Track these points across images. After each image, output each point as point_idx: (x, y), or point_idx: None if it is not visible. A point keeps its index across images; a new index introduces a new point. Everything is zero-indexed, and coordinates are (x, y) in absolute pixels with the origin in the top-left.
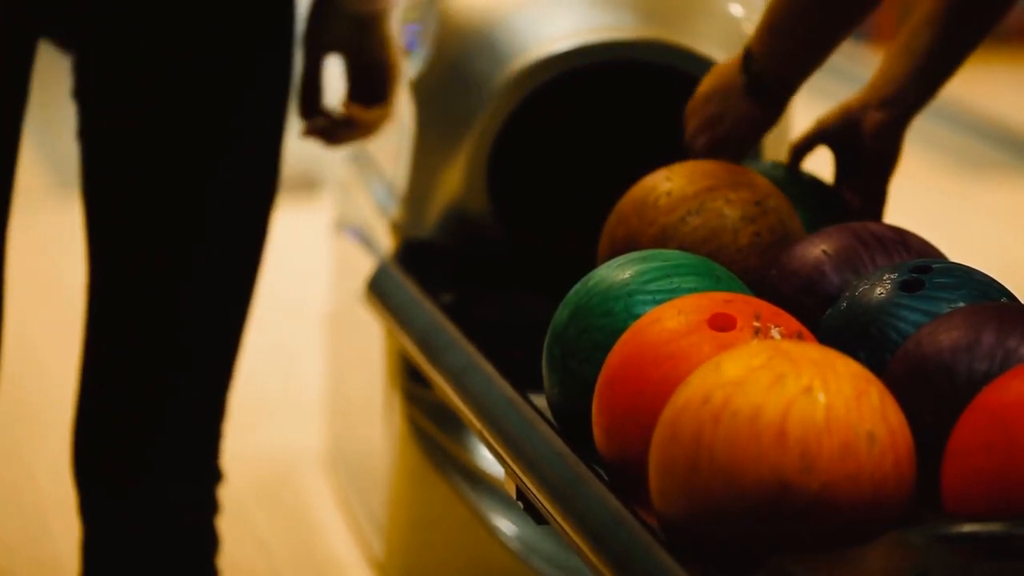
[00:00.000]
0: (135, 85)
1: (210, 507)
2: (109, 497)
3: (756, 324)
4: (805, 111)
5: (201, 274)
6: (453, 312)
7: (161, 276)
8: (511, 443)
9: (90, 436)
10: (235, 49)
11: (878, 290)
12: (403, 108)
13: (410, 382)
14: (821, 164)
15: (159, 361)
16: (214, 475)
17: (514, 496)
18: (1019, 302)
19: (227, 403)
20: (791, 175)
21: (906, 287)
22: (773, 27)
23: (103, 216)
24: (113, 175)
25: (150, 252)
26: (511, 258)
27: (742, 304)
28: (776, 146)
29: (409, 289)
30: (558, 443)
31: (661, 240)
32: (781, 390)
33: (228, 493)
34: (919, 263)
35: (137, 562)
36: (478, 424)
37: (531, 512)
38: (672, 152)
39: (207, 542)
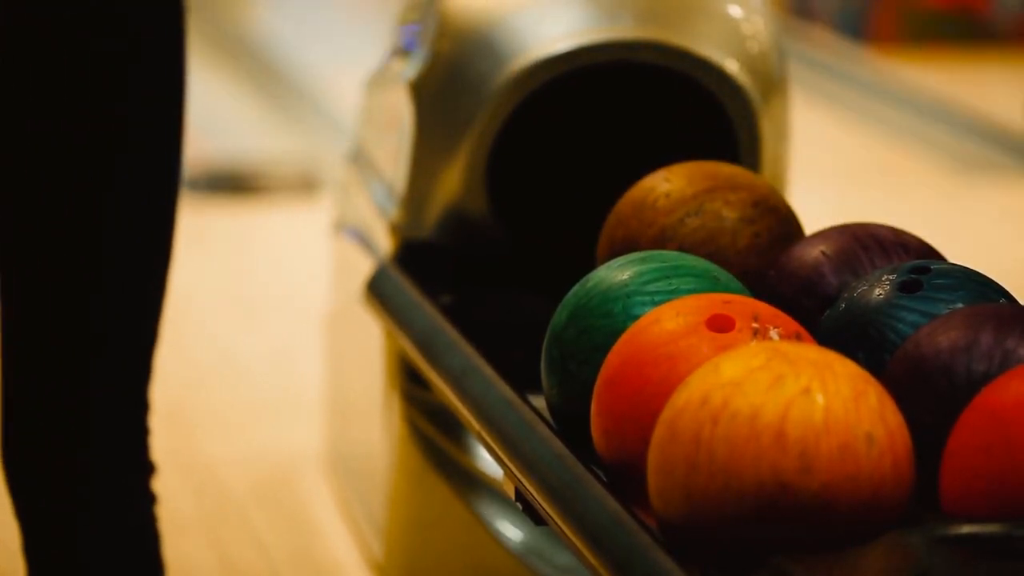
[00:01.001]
0: (30, 79)
1: (147, 499)
2: (43, 497)
3: (755, 325)
4: (805, 111)
5: (107, 270)
6: (452, 313)
7: (68, 277)
8: (510, 444)
9: (18, 439)
10: (123, 36)
11: (877, 291)
12: (403, 109)
13: (409, 383)
14: (821, 168)
15: (75, 360)
16: (145, 467)
17: (513, 497)
18: (1018, 303)
19: (149, 397)
20: None
21: (905, 288)
22: None
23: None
24: (9, 181)
25: (55, 251)
26: (511, 259)
27: (741, 305)
28: (776, 144)
29: (408, 290)
30: (557, 444)
31: (660, 241)
32: (780, 391)
33: (227, 494)
34: (918, 264)
35: (80, 560)
36: (477, 425)
37: (530, 513)
38: (671, 153)
39: (148, 535)
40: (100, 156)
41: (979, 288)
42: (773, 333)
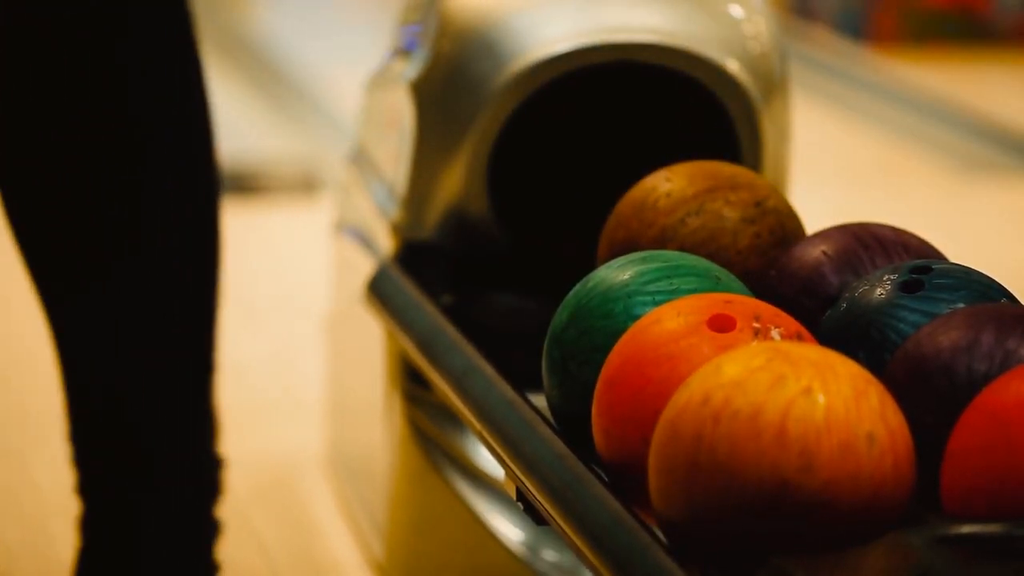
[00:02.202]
0: (54, 91)
1: (210, 495)
2: (99, 485)
3: (756, 325)
4: (805, 111)
5: (152, 265)
6: (453, 313)
7: (105, 279)
8: (511, 444)
9: (83, 438)
10: (116, 39)
11: (878, 291)
12: (403, 109)
13: (410, 383)
14: (822, 168)
15: (126, 353)
16: (213, 462)
17: (514, 497)
18: (1019, 303)
19: (213, 390)
20: None
21: (906, 288)
22: None
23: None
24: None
25: (93, 247)
26: (511, 260)
27: (742, 305)
28: (776, 146)
29: (409, 291)
30: (558, 444)
31: (660, 242)
32: (781, 391)
33: (228, 495)
34: (919, 264)
35: (132, 550)
36: (478, 425)
37: (531, 513)
38: (672, 153)
39: (207, 532)
40: (104, 159)
41: (981, 288)
42: (774, 333)
